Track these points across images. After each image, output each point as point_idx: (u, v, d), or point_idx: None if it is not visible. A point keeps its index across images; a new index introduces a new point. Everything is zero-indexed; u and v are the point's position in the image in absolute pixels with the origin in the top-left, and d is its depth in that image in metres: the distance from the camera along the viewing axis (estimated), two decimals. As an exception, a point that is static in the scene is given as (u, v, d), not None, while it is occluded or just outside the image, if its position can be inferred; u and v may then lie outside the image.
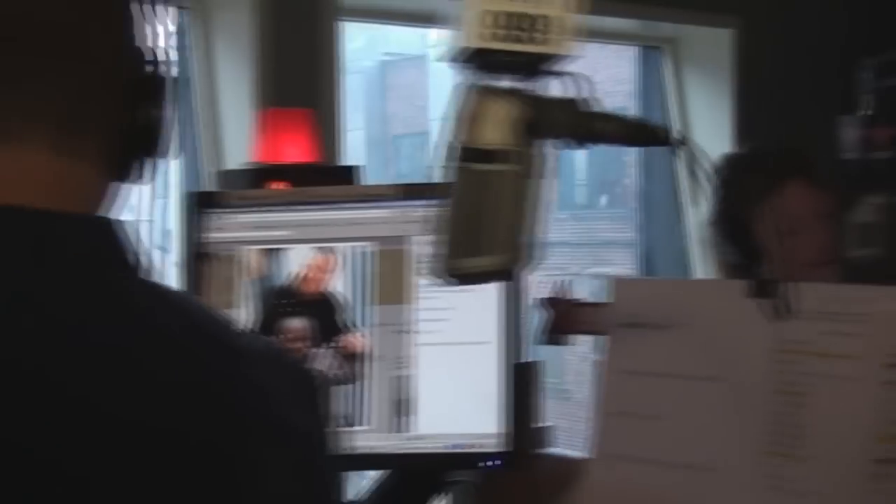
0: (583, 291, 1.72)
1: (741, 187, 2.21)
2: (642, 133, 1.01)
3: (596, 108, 0.95)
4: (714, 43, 3.70)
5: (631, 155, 4.72)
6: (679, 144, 1.02)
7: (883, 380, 1.36)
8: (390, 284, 1.65)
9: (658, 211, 3.88)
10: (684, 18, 3.65)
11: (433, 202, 1.65)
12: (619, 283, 1.63)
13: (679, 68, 3.82)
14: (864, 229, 2.11)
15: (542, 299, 1.73)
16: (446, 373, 1.65)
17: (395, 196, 1.66)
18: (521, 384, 1.64)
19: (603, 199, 8.19)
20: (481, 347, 1.64)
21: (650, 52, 3.91)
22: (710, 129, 3.73)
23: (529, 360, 1.69)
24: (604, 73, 4.49)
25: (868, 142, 2.04)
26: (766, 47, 3.64)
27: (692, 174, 1.04)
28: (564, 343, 1.70)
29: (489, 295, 1.64)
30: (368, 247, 1.66)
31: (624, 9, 3.56)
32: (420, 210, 1.66)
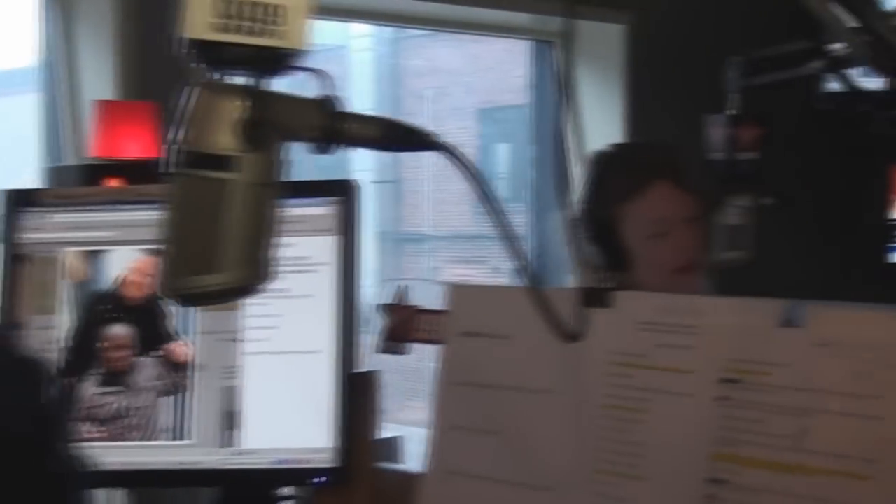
0: (426, 297, 1.64)
1: (608, 187, 2.14)
2: (398, 136, 0.92)
3: (344, 109, 0.86)
4: (606, 38, 3.64)
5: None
6: (441, 149, 0.94)
7: (715, 395, 1.29)
8: (217, 290, 1.56)
9: (549, 205, 3.84)
10: (576, 13, 3.58)
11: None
12: (457, 289, 1.54)
13: (571, 63, 3.76)
14: (731, 232, 2.06)
15: (381, 305, 1.64)
16: (276, 384, 1.56)
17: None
18: (356, 396, 1.56)
19: (525, 193, 8.17)
20: (313, 357, 1.56)
21: (542, 46, 3.84)
22: (603, 125, 3.68)
23: (366, 369, 1.61)
24: (498, 66, 4.42)
25: (734, 142, 1.98)
26: (658, 43, 3.60)
27: (468, 178, 0.96)
28: (403, 352, 1.61)
29: (321, 302, 1.56)
30: (192, 249, 1.56)
31: (516, 2, 3.48)
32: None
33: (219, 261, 0.80)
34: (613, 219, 2.13)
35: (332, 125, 0.85)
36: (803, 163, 2.08)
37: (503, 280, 5.05)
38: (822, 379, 1.21)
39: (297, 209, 1.56)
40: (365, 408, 1.61)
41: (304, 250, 1.56)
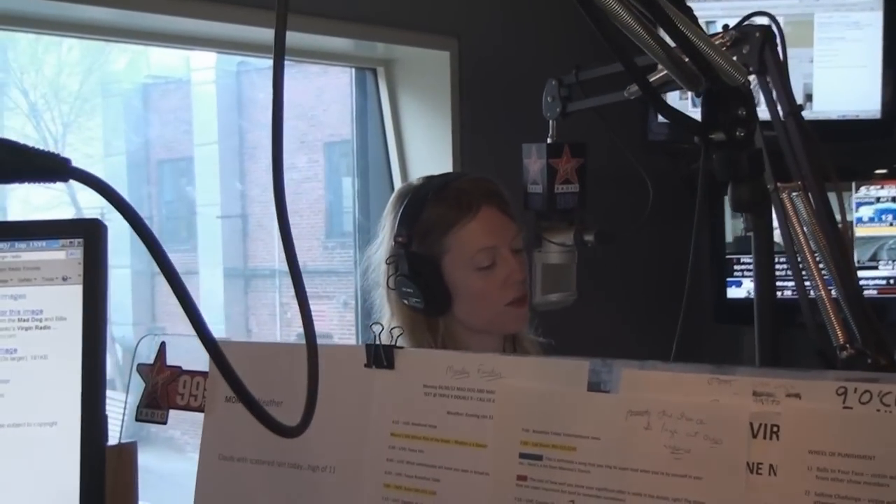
0: (189, 355, 1.40)
1: (426, 220, 1.92)
2: (9, 162, 0.70)
3: None
4: (431, 65, 3.47)
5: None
6: (75, 177, 0.72)
7: (513, 474, 1.08)
8: (-71, 351, 1.30)
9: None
10: (399, 39, 3.40)
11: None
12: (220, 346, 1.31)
13: (394, 90, 3.57)
14: (553, 272, 1.87)
15: (139, 366, 1.39)
16: (2, 463, 1.30)
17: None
18: (102, 473, 1.30)
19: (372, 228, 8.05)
20: (49, 430, 1.30)
21: (365, 73, 3.65)
22: (431, 153, 3.51)
23: (118, 442, 1.36)
24: (342, 100, 4.22)
25: (553, 173, 1.80)
26: (485, 70, 3.43)
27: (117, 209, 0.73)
28: (162, 420, 1.37)
29: (59, 363, 1.31)
30: None
31: (337, 28, 3.29)
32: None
33: None
34: (434, 253, 1.91)
35: None
36: (624, 196, 1.92)
37: (351, 316, 4.81)
38: (635, 455, 1.02)
39: (26, 254, 1.30)
40: (120, 487, 1.36)
41: (35, 303, 1.30)
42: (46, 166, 0.71)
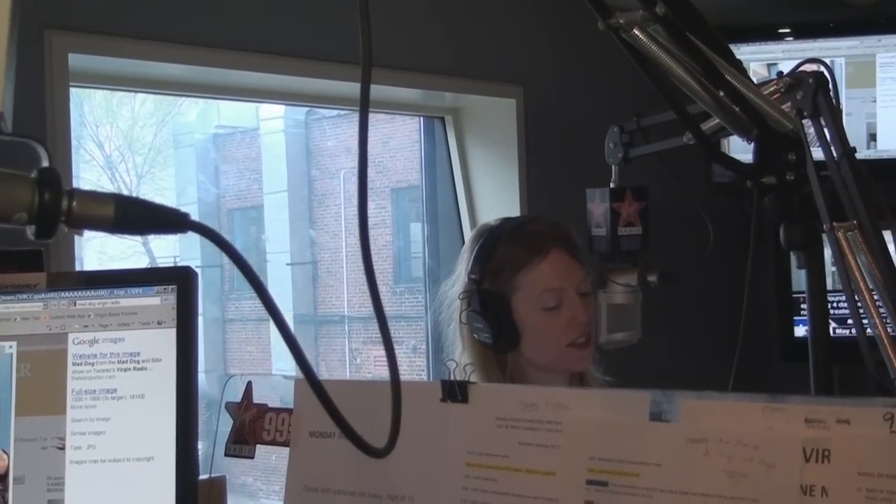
0: (275, 393, 1.49)
1: (499, 259, 2.03)
2: (136, 216, 0.79)
3: (63, 184, 0.73)
4: (497, 113, 3.56)
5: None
6: (193, 229, 0.81)
7: (581, 499, 1.15)
8: (37, 391, 1.40)
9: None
10: (466, 89, 3.50)
11: (94, 293, 1.42)
12: (303, 385, 1.39)
13: (462, 138, 3.67)
14: (617, 312, 1.94)
15: (227, 404, 1.49)
16: (106, 496, 1.39)
17: (42, 287, 1.41)
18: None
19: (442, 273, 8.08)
20: (146, 464, 1.39)
21: (433, 122, 3.75)
22: (498, 198, 3.59)
23: (208, 476, 1.45)
24: (409, 146, 4.34)
25: (616, 216, 1.87)
26: (549, 117, 3.51)
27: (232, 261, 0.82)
28: (249, 455, 1.46)
29: (155, 402, 1.40)
30: (7, 346, 1.40)
31: (406, 79, 3.39)
32: (80, 302, 1.41)
33: None
34: (505, 291, 2.01)
35: (48, 204, 0.71)
36: (688, 236, 1.98)
37: (421, 361, 4.89)
38: (695, 480, 1.08)
39: (124, 300, 1.40)
40: (209, 519, 1.45)
41: (133, 345, 1.40)
42: (169, 220, 0.80)
